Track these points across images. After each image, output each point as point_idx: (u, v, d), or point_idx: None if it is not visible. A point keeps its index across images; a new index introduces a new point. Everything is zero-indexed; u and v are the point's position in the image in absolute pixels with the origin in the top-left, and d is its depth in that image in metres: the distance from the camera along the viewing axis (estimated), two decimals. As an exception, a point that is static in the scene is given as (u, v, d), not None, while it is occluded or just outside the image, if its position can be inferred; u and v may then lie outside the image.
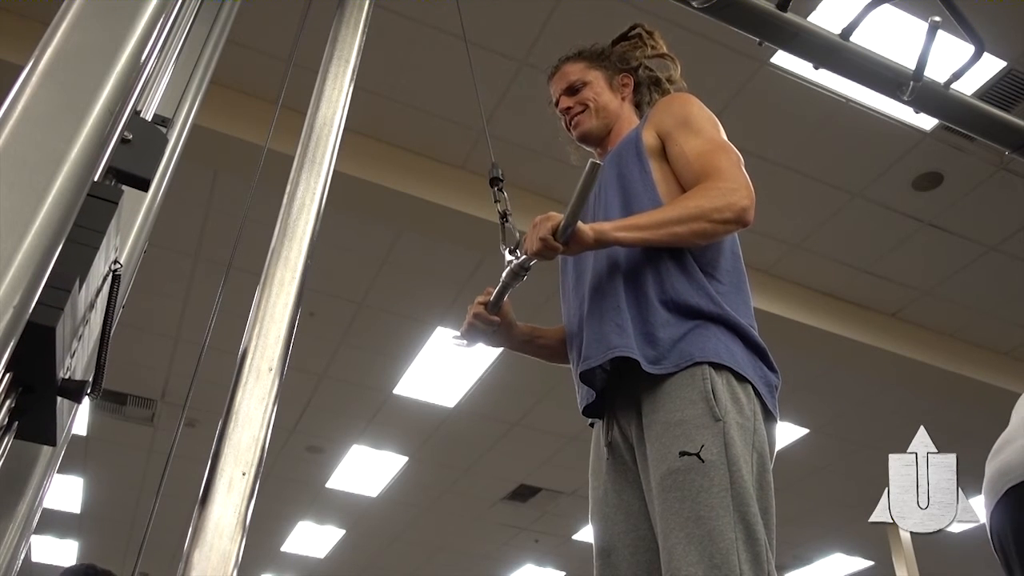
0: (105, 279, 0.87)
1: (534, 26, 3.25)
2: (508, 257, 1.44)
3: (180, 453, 1.22)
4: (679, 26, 3.17)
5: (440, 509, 7.21)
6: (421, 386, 5.53)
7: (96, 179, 0.72)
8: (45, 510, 1.00)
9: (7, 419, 0.74)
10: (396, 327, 4.97)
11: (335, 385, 5.53)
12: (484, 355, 5.15)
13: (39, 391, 0.76)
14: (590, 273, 1.45)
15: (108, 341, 0.88)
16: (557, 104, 1.69)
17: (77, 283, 0.72)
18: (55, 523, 7.42)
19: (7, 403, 0.72)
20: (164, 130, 1.19)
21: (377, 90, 3.56)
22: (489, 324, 1.53)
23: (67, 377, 0.78)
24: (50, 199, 0.63)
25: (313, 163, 1.06)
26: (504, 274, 1.44)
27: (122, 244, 1.07)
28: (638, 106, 1.70)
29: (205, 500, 0.77)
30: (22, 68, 0.68)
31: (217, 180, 3.91)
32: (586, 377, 1.40)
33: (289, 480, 6.64)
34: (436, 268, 4.50)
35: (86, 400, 0.83)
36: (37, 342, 0.68)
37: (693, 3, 1.68)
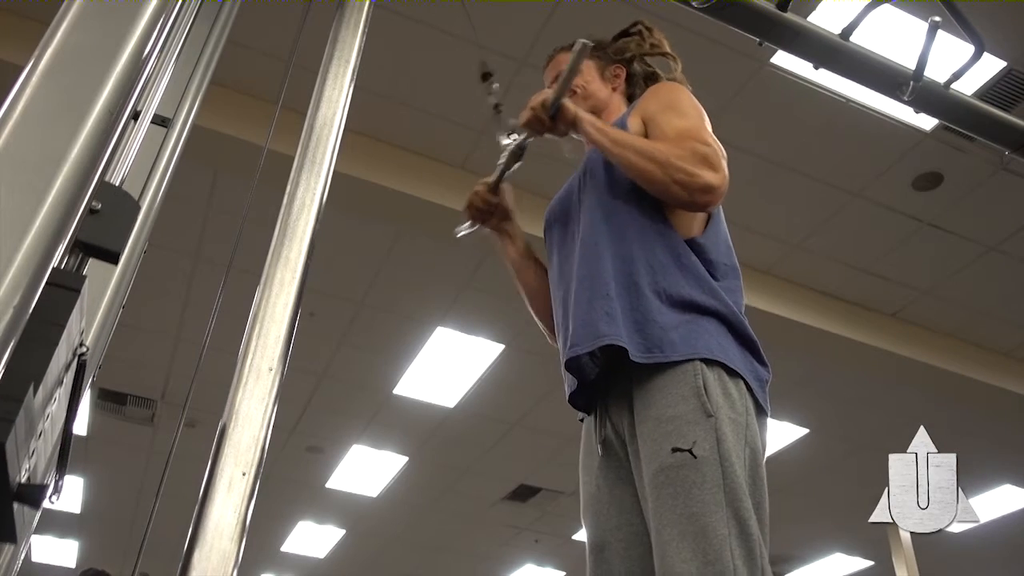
0: (68, 367, 0.80)
1: (534, 26, 3.25)
2: (505, 141, 1.53)
3: (180, 453, 1.22)
4: (679, 26, 3.16)
5: (440, 509, 7.21)
6: (421, 386, 5.52)
7: (59, 256, 0.65)
8: (45, 510, 1.00)
9: None
10: (396, 327, 4.97)
11: (335, 385, 5.53)
12: (484, 355, 5.16)
13: None
14: (577, 257, 1.44)
15: (71, 435, 0.83)
16: None
17: (31, 390, 0.66)
18: (55, 523, 7.42)
19: None
20: (136, 197, 1.11)
21: (377, 90, 3.56)
22: (487, 203, 1.61)
23: (24, 481, 0.72)
24: (53, 194, 0.62)
25: (313, 163, 1.06)
26: (502, 156, 1.54)
27: (90, 321, 1.02)
28: (630, 98, 1.69)
29: (205, 500, 0.77)
30: (22, 68, 0.68)
31: (217, 180, 3.91)
32: (572, 365, 1.38)
33: (289, 480, 6.63)
34: (436, 268, 4.50)
35: (87, 400, 0.82)
36: None
37: (693, 3, 1.68)
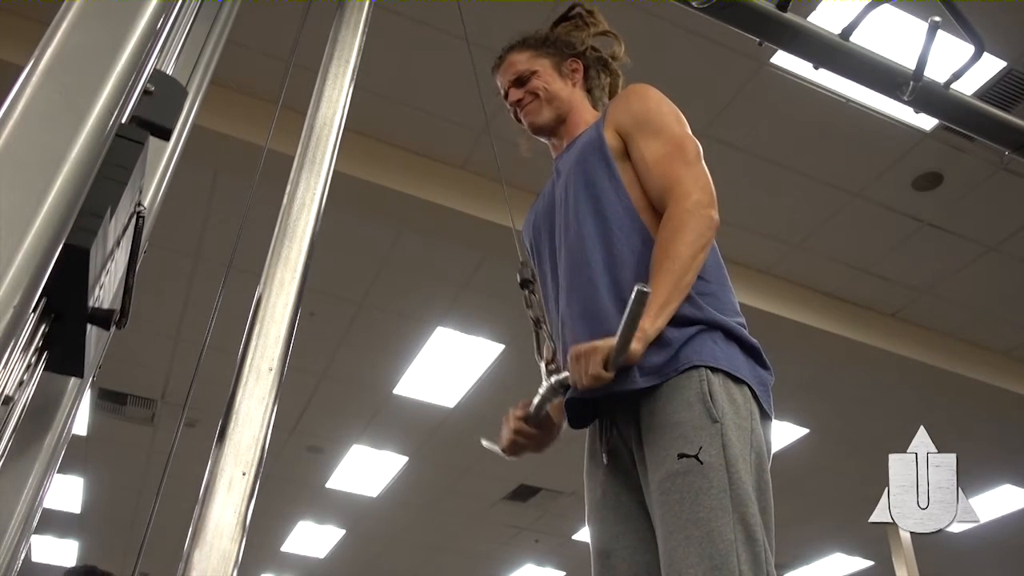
0: (131, 218, 0.90)
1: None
2: (545, 370, 1.37)
3: (180, 453, 1.22)
4: (679, 26, 3.17)
5: (440, 509, 7.21)
6: (421, 386, 5.53)
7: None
8: (45, 510, 1.00)
9: (41, 343, 0.76)
10: (396, 327, 4.97)
11: (335, 385, 5.53)
12: (484, 355, 5.16)
13: (70, 319, 0.79)
14: (569, 284, 1.41)
15: (134, 277, 0.91)
16: (506, 96, 1.66)
17: (108, 212, 0.75)
18: (55, 523, 7.42)
19: (41, 328, 0.74)
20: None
21: (377, 90, 3.56)
22: (531, 438, 1.47)
23: (96, 306, 0.81)
24: (52, 194, 0.63)
25: (313, 163, 1.06)
26: (543, 389, 1.37)
27: (144, 190, 1.11)
28: (589, 91, 1.68)
29: (205, 500, 0.77)
30: (22, 68, 0.68)
31: (217, 180, 3.92)
32: (576, 404, 1.36)
33: (289, 480, 6.64)
34: (436, 268, 4.50)
35: (86, 400, 0.84)
36: (71, 264, 0.71)
37: (693, 3, 1.68)
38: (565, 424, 1.55)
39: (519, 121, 1.66)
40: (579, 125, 1.59)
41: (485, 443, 1.56)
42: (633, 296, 1.15)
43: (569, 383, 1.31)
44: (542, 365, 1.40)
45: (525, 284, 1.51)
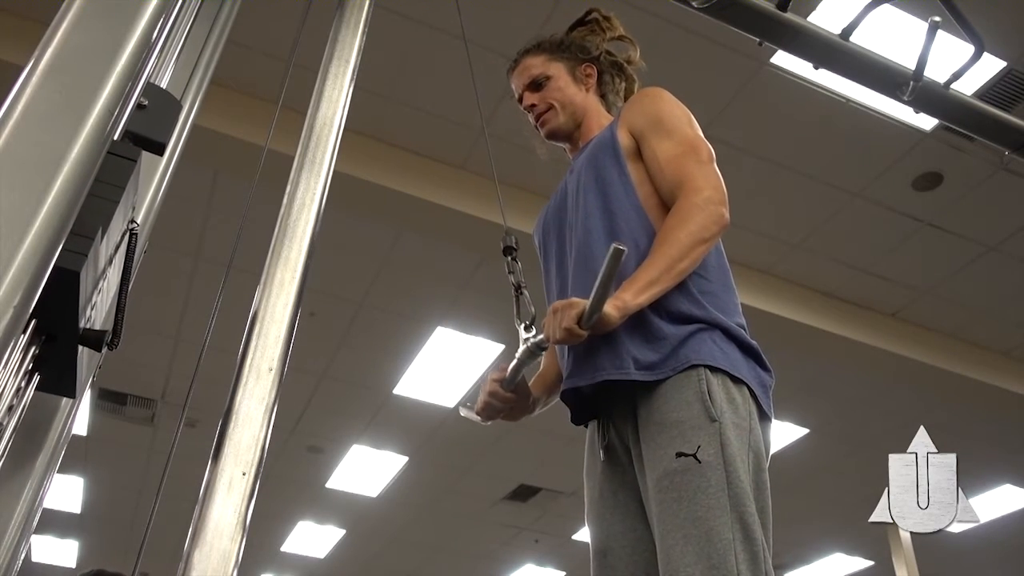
0: (123, 236, 0.89)
1: (534, 26, 3.25)
2: (523, 334, 1.40)
3: (180, 453, 1.22)
4: (679, 26, 3.17)
5: (440, 509, 7.21)
6: (421, 386, 5.53)
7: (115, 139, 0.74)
8: (45, 510, 1.00)
9: (31, 365, 0.75)
10: (396, 327, 4.97)
11: (335, 385, 5.53)
12: (484, 355, 5.16)
13: (61, 339, 0.78)
14: (573, 276, 1.43)
15: (126, 296, 0.91)
16: (520, 100, 1.66)
17: (99, 233, 0.74)
18: (55, 523, 7.42)
19: (31, 350, 0.74)
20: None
21: (377, 90, 3.56)
22: (506, 402, 1.49)
23: (88, 327, 0.80)
24: (50, 199, 0.63)
25: (313, 163, 1.06)
26: (519, 352, 1.39)
27: (138, 206, 1.10)
28: (603, 96, 1.68)
29: (205, 500, 0.77)
30: (22, 68, 0.68)
31: (217, 180, 3.92)
32: (570, 395, 1.38)
33: (289, 480, 6.63)
34: (436, 268, 4.50)
35: (87, 400, 0.84)
36: (62, 287, 0.70)
37: (693, 3, 1.68)
38: (539, 410, 1.58)
39: (537, 127, 1.66)
40: (593, 129, 1.60)
41: (463, 411, 1.57)
42: (609, 254, 1.16)
43: (544, 345, 1.34)
44: (520, 329, 1.42)
45: (508, 251, 1.55)
